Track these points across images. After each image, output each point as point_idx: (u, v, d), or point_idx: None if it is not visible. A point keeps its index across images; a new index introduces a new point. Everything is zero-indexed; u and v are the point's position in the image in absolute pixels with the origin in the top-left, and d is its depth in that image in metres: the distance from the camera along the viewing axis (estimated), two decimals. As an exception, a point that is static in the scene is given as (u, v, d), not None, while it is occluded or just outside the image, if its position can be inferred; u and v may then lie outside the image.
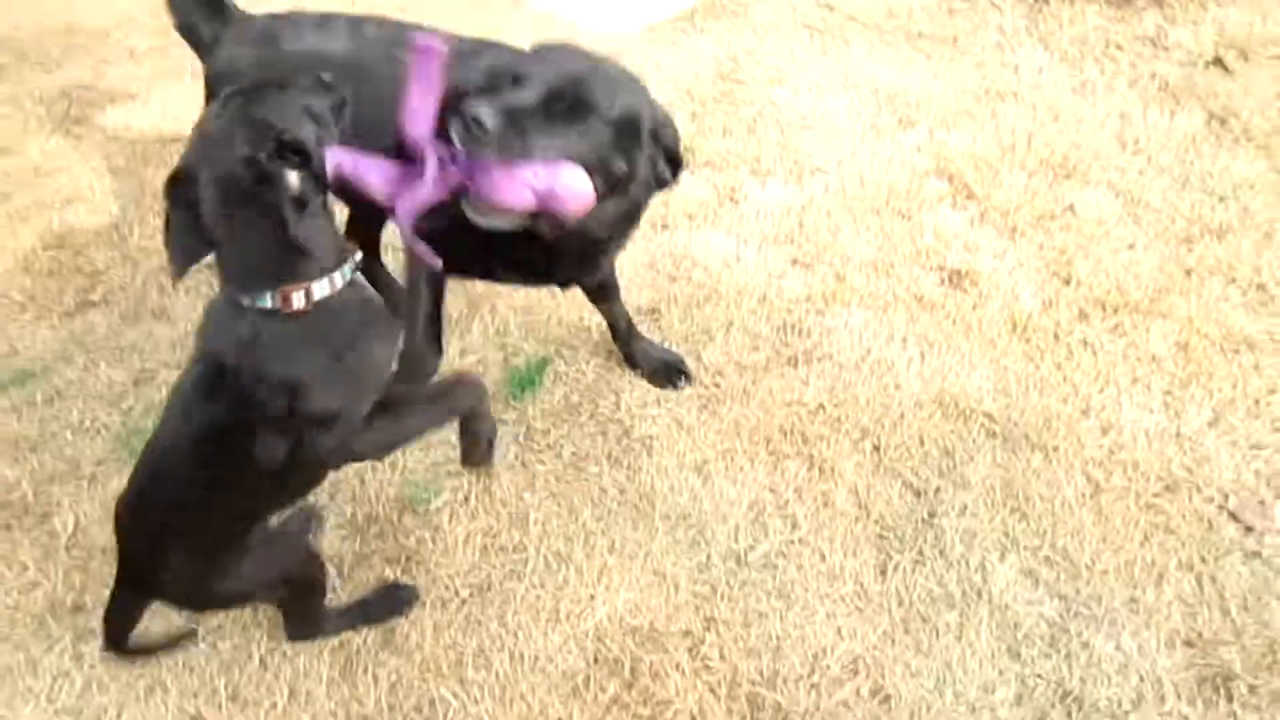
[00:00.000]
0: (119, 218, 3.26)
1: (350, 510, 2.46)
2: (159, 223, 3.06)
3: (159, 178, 3.33)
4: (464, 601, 2.29)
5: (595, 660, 2.18)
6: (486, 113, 1.79)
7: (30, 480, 2.52)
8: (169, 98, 3.75)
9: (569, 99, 1.91)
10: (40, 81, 3.89)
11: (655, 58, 3.85)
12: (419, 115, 1.84)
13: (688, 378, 2.70)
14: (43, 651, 2.19)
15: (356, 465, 2.50)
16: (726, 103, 3.64)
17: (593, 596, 2.29)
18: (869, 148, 3.45)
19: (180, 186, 1.72)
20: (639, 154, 2.01)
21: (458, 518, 2.44)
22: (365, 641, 2.20)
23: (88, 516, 2.42)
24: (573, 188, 1.90)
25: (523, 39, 3.78)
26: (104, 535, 2.26)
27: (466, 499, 2.48)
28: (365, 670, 2.16)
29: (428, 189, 1.86)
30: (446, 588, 2.31)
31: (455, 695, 2.12)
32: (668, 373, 2.70)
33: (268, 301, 1.76)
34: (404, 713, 2.11)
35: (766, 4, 4.11)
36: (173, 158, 3.29)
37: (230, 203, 1.71)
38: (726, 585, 2.31)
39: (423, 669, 2.17)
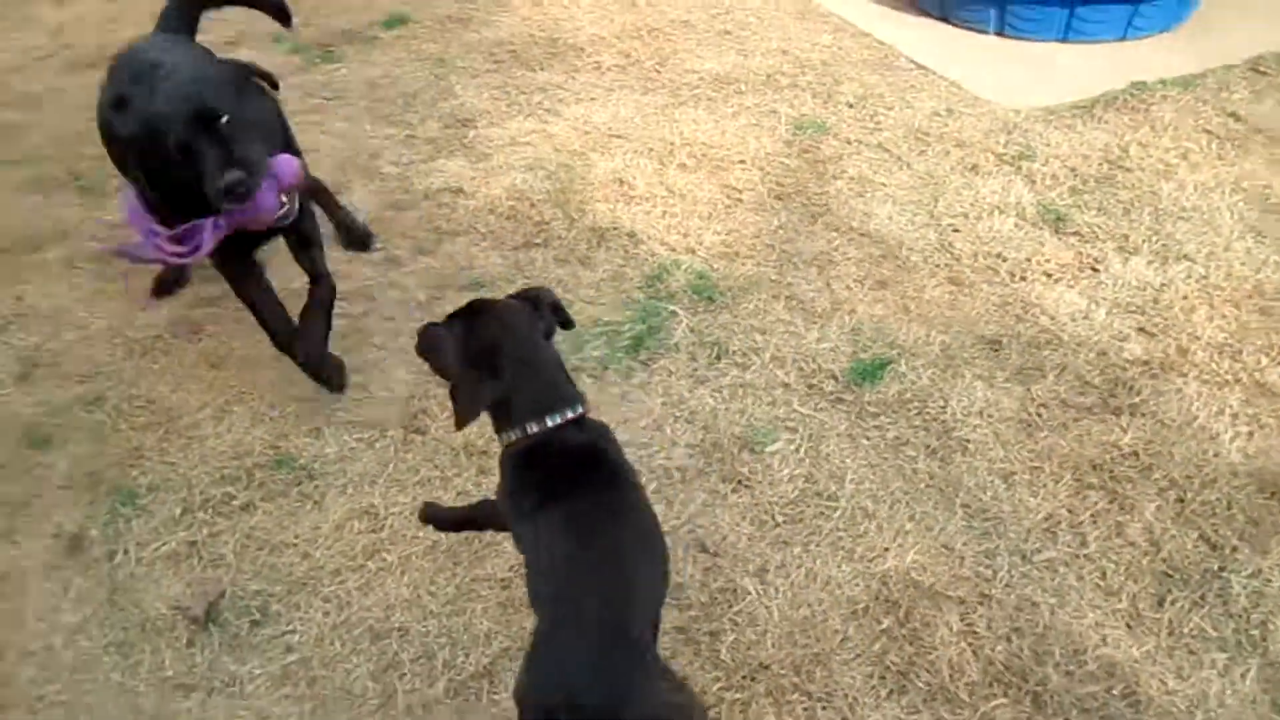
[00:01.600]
0: (565, 185, 4.00)
1: (701, 436, 2.96)
2: (594, 192, 3.76)
3: (600, 162, 4.08)
4: (777, 525, 2.71)
5: (877, 597, 2.53)
6: (237, 178, 2.45)
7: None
8: (620, 105, 4.50)
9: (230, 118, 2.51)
10: (526, 78, 4.79)
11: (1047, 136, 4.15)
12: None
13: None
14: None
15: (716, 398, 3.03)
16: (1108, 184, 3.87)
17: (886, 549, 2.64)
18: (1244, 246, 3.56)
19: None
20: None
21: (786, 462, 2.88)
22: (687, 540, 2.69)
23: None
24: (289, 168, 2.60)
25: (930, 106, 4.23)
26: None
27: (797, 450, 2.91)
28: (682, 557, 2.63)
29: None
30: (765, 511, 2.75)
31: (755, 589, 2.55)
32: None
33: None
34: (711, 592, 2.56)
35: (1169, 105, 4.28)
36: (614, 151, 4.01)
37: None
38: (1007, 573, 2.58)
39: (733, 562, 2.61)
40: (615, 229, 3.77)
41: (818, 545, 2.65)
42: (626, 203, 3.91)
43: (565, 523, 1.99)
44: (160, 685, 2.40)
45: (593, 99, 4.60)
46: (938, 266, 3.55)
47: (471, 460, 2.90)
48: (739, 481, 2.83)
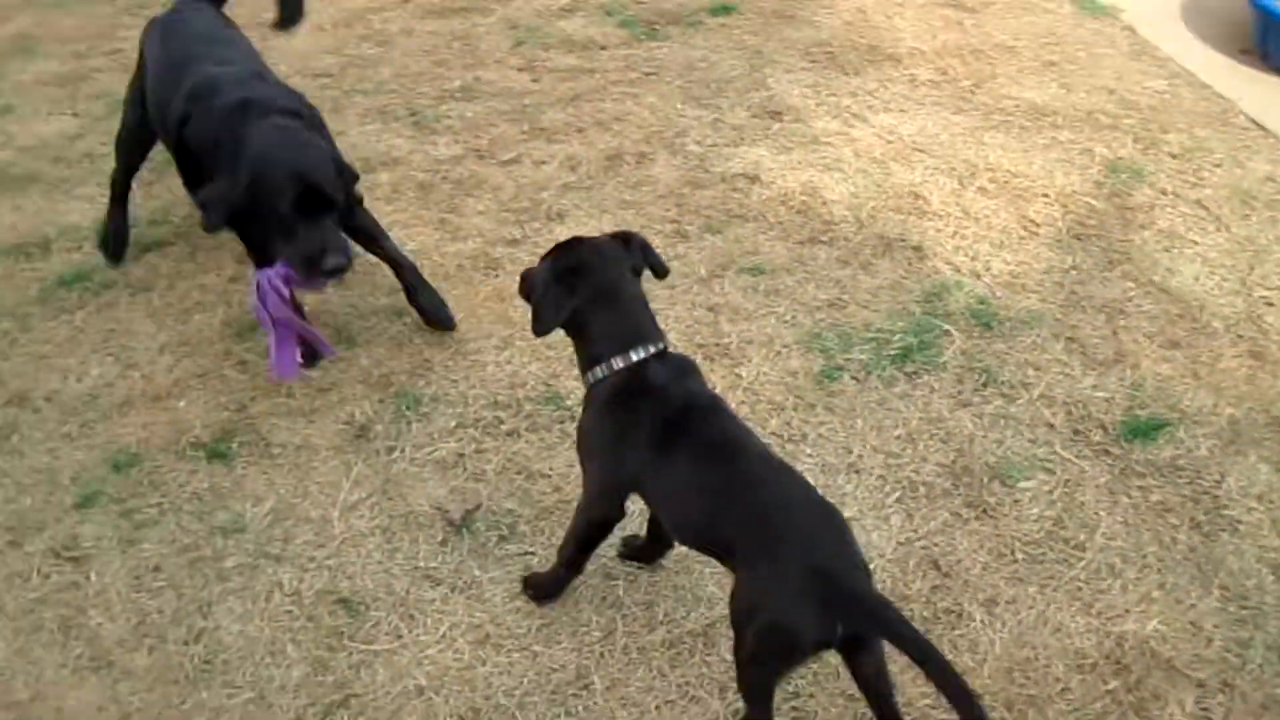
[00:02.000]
0: (860, 190, 4.02)
1: (953, 457, 2.94)
2: (887, 201, 3.76)
3: (899, 173, 4.07)
4: (1015, 560, 2.66)
5: (1108, 657, 2.44)
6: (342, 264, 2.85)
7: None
8: (928, 120, 4.47)
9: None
10: (839, 80, 4.82)
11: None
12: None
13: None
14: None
15: (975, 423, 3.00)
16: None
17: (1128, 611, 2.54)
18: None
19: None
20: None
21: (1036, 501, 2.81)
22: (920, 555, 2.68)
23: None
24: None
25: (1263, 170, 3.95)
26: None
27: (1050, 492, 2.84)
28: (912, 571, 2.63)
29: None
30: (1006, 545, 2.70)
31: (981, 618, 2.52)
32: (439, 317, 3.29)
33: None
34: (935, 610, 2.55)
35: None
36: (915, 164, 4.00)
37: None
38: (1259, 668, 2.42)
39: (963, 587, 2.59)
40: (902, 240, 3.77)
41: (1054, 590, 2.59)
42: (919, 217, 3.89)
43: (701, 457, 2.16)
44: (412, 572, 2.65)
45: (902, 110, 4.58)
46: (1240, 337, 3.34)
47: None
48: (984, 510, 2.80)
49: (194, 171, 3.11)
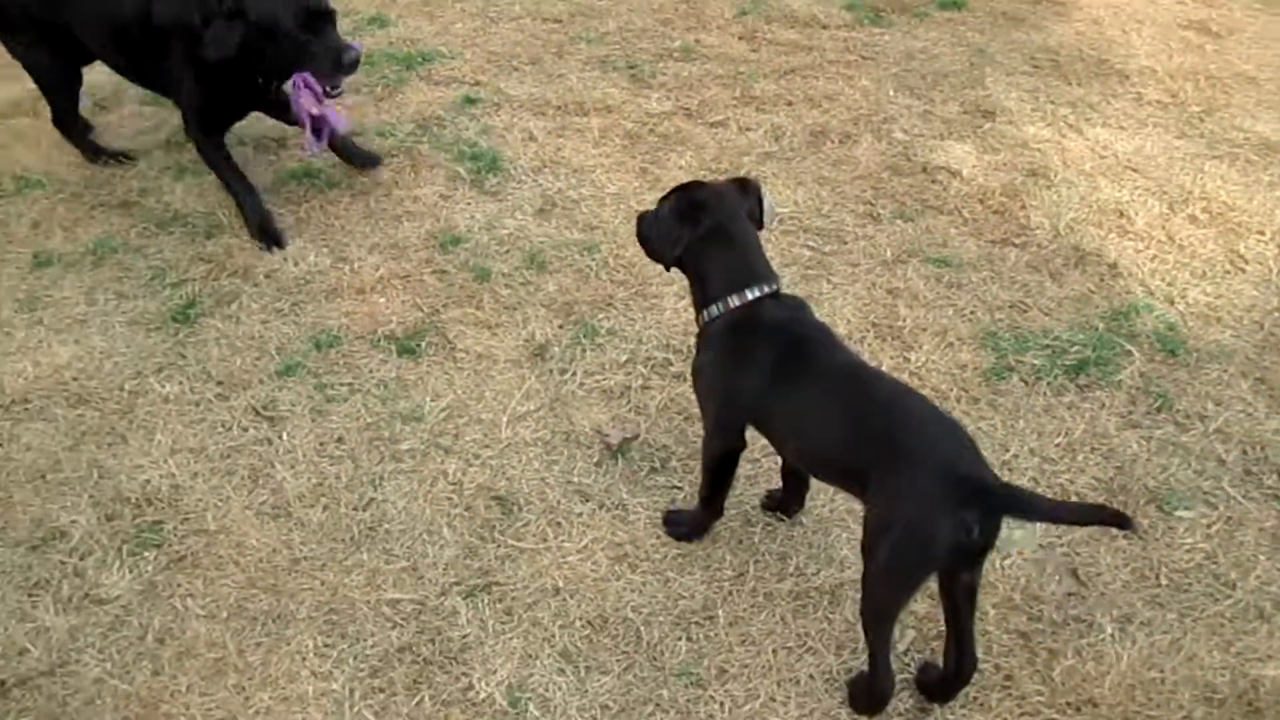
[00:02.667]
0: (1063, 199, 3.95)
1: (1112, 474, 2.90)
2: (1090, 215, 3.69)
3: (1107, 189, 3.97)
4: (1159, 584, 2.62)
5: (1240, 697, 2.39)
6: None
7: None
8: (1147, 140, 4.33)
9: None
10: (1059, 89, 4.72)
11: None
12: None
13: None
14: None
15: (1141, 446, 2.95)
16: None
17: (1270, 656, 2.47)
18: None
19: None
20: None
21: (1192, 532, 2.75)
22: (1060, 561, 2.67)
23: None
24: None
25: None
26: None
27: (1209, 526, 2.77)
28: (1050, 573, 2.62)
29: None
30: (1151, 568, 2.66)
31: (1112, 632, 2.50)
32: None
33: None
34: (1065, 615, 2.53)
35: None
36: (1125, 182, 3.90)
37: None
38: (1403, 738, 2.33)
39: (1098, 599, 2.57)
40: (1098, 256, 3.69)
41: (1194, 621, 2.54)
42: (1119, 235, 3.80)
43: (823, 386, 2.26)
44: (565, 485, 2.81)
45: (1121, 128, 4.46)
46: None
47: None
48: (1134, 538, 2.75)
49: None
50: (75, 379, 3.07)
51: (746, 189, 2.51)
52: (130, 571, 2.55)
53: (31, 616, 2.45)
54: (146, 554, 2.59)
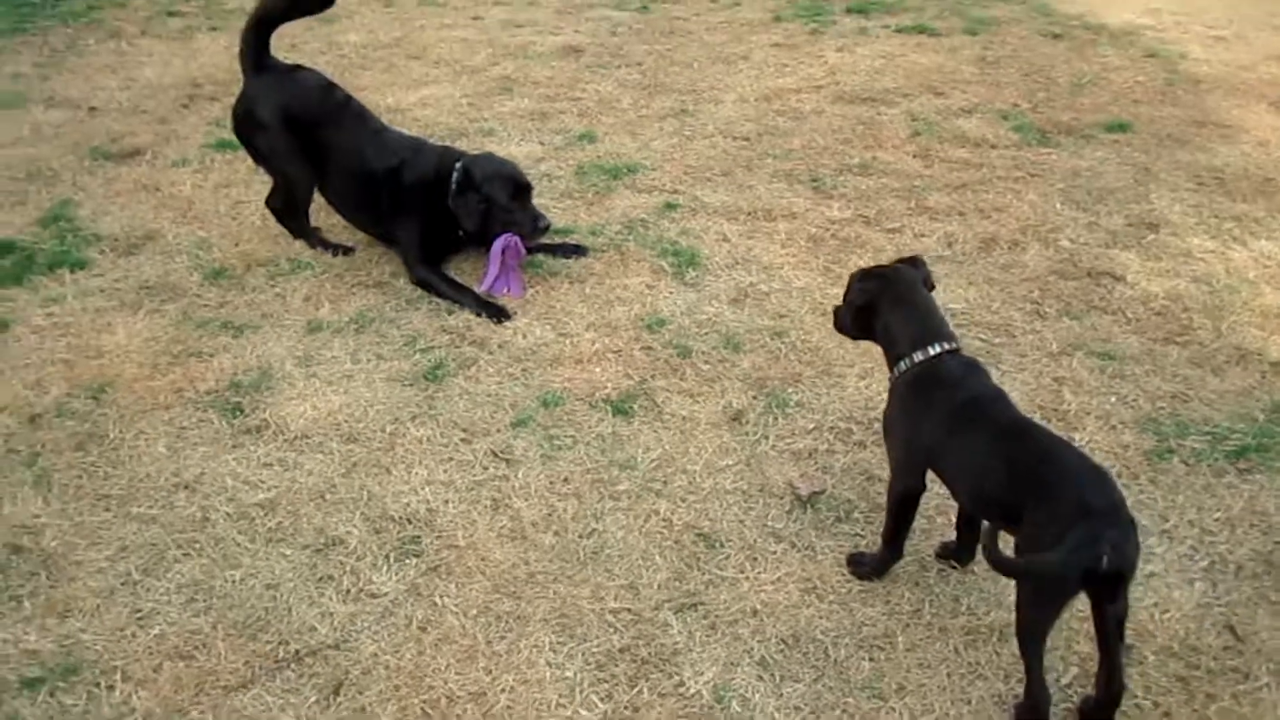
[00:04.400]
0: (1225, 303, 4.21)
1: (1271, 548, 3.11)
2: (1252, 318, 3.94)
3: (1270, 294, 4.20)
4: (1316, 646, 2.81)
5: (1395, 748, 2.56)
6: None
7: (1077, 405, 3.66)
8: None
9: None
10: (1224, 205, 4.98)
11: None
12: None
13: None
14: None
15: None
16: None
17: None
18: None
19: None
20: None
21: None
22: (1217, 618, 2.89)
23: (1099, 441, 3.48)
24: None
25: None
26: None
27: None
28: (1207, 630, 2.85)
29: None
30: (1309, 631, 2.85)
31: (1269, 680, 2.70)
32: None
33: None
34: (1222, 665, 2.75)
35: None
36: None
37: None
38: None
39: (1255, 654, 2.78)
40: (1260, 355, 3.93)
41: (1352, 679, 2.72)
42: (1280, 336, 4.03)
43: (991, 435, 2.64)
44: (761, 527, 3.21)
45: None
46: None
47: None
48: (1302, 596, 2.96)
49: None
50: (345, 421, 3.66)
51: (916, 263, 2.98)
52: (396, 574, 3.06)
53: (319, 603, 2.97)
54: (409, 561, 3.10)
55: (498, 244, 4.31)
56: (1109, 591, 2.41)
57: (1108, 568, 2.33)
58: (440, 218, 4.43)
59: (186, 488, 3.37)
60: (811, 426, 3.62)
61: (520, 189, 4.39)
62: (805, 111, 6.13)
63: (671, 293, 4.38)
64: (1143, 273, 4.46)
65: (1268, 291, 4.30)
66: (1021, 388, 3.77)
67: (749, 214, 4.99)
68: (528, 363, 3.96)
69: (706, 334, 4.11)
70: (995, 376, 3.77)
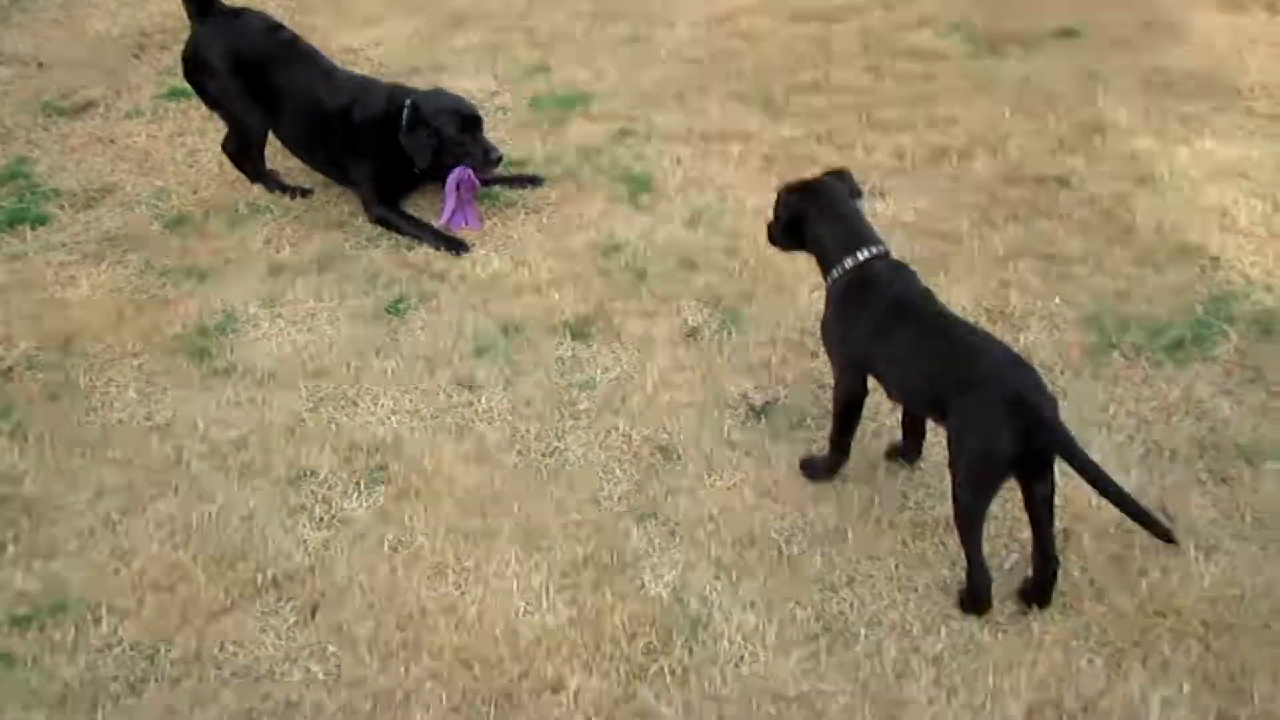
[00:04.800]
0: (1165, 200, 4.31)
1: (1205, 433, 3.25)
2: (1194, 214, 4.07)
3: (1213, 191, 4.30)
4: (1244, 522, 2.99)
5: (1315, 610, 2.72)
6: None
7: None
8: (1256, 149, 4.63)
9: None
10: (1171, 105, 5.05)
11: None
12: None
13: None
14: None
15: (1234, 410, 3.29)
16: None
17: (1345, 578, 2.79)
18: None
19: None
20: None
21: (1278, 481, 3.08)
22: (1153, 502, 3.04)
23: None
24: None
25: None
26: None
27: (1293, 473, 3.10)
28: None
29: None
30: (1239, 510, 3.03)
31: (1196, 556, 2.86)
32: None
33: None
34: (1158, 546, 2.90)
35: None
36: (1230, 185, 4.20)
37: None
38: None
39: (1185, 533, 2.93)
40: (1201, 249, 4.04)
41: (1276, 552, 2.88)
42: (1222, 232, 4.14)
43: (919, 333, 2.76)
44: (717, 437, 3.34)
45: (1230, 138, 4.78)
46: None
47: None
48: (1223, 479, 3.12)
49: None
50: (311, 358, 3.74)
51: (841, 175, 3.11)
52: (367, 500, 3.17)
53: (293, 531, 3.08)
54: (378, 488, 3.21)
55: (452, 178, 4.36)
56: (1036, 473, 2.55)
57: (1032, 448, 2.46)
58: (394, 156, 4.46)
59: (159, 430, 3.46)
60: (765, 339, 3.72)
61: (469, 122, 4.42)
62: (758, 32, 6.13)
63: (627, 218, 4.45)
64: (1088, 176, 4.55)
65: (1210, 189, 4.40)
66: (969, 291, 3.88)
67: (702, 137, 5.03)
68: (488, 293, 4.04)
69: (662, 256, 4.19)
70: (945, 281, 3.92)
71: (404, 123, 4.40)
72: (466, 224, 4.44)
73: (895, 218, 4.32)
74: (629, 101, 5.41)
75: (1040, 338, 3.66)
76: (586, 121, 5.25)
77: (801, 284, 3.97)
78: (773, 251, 3.92)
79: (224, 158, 4.82)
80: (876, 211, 4.34)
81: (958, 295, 3.84)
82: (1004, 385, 2.56)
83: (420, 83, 5.28)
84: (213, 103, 4.71)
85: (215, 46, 4.54)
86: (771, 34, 6.08)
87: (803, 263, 3.99)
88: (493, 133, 4.84)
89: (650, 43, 6.10)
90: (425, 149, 4.38)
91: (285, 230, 4.51)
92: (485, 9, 6.73)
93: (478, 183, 4.45)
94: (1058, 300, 3.83)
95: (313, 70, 4.60)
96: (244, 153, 4.74)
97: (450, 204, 4.39)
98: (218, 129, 4.93)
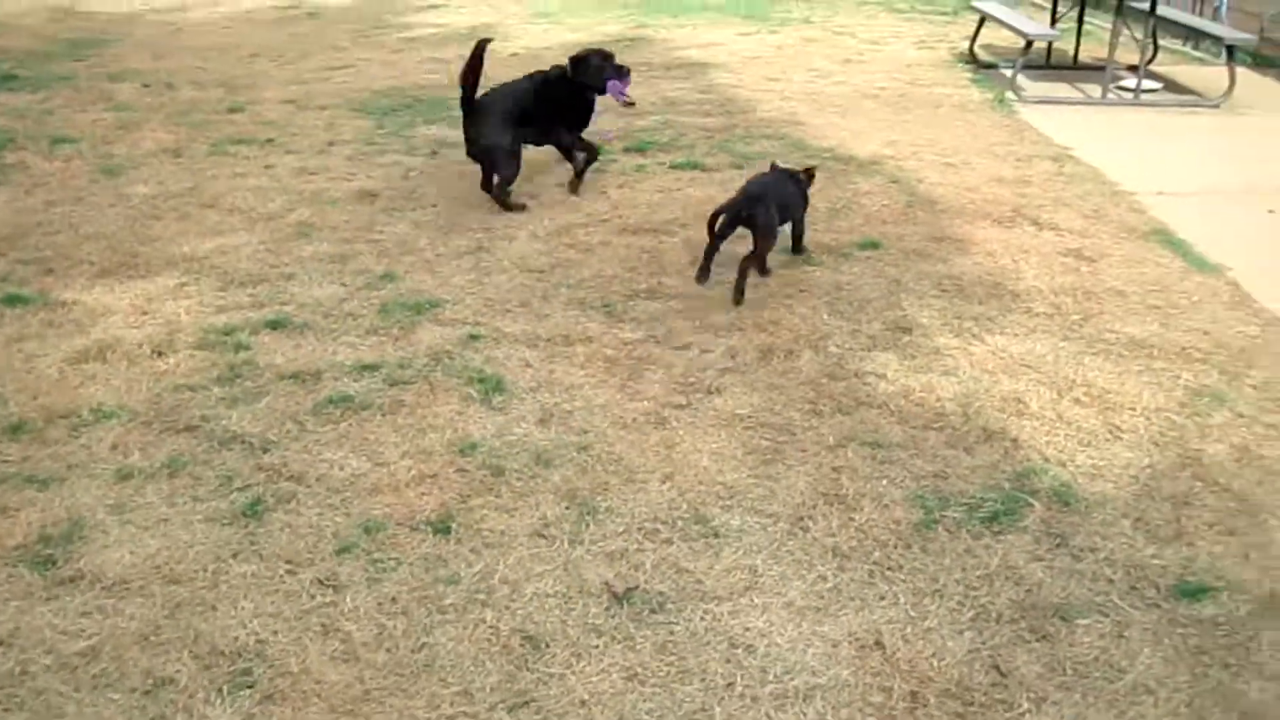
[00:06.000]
0: (971, 392, 4.81)
1: (1023, 595, 3.58)
2: (993, 403, 4.54)
3: (1006, 382, 4.84)
4: (1066, 674, 3.26)
5: (1135, 753, 3.00)
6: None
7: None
8: (1037, 344, 5.26)
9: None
10: (964, 307, 5.70)
11: None
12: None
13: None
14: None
15: (1047, 572, 3.65)
16: None
17: (1156, 722, 3.10)
18: None
19: None
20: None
21: (1089, 633, 3.41)
22: (985, 660, 3.32)
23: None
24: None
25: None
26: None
27: (1102, 628, 3.44)
28: (981, 670, 3.26)
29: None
30: (1059, 661, 3.30)
31: (1028, 706, 3.12)
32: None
33: None
34: (991, 700, 3.16)
35: None
36: (1020, 376, 4.76)
37: None
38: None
39: (1018, 684, 3.20)
40: (1002, 434, 4.51)
41: (1095, 698, 3.17)
42: (1018, 417, 4.64)
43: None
44: (583, 625, 3.44)
45: (1016, 335, 5.40)
46: (1293, 533, 3.91)
47: (834, 556, 3.73)
48: (1044, 635, 3.42)
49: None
50: (165, 564, 3.68)
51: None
52: (230, 706, 3.10)
53: (153, 745, 2.98)
54: (242, 693, 3.15)
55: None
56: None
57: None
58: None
59: (1, 644, 3.31)
60: (621, 529, 3.90)
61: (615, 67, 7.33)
62: (593, 244, 6.58)
63: (481, 417, 4.63)
64: (901, 370, 5.03)
65: (1005, 380, 4.94)
66: (806, 479, 4.19)
67: (548, 340, 5.32)
68: (346, 493, 4.10)
69: (517, 453, 4.36)
70: (783, 470, 4.22)
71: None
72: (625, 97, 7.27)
73: (733, 412, 4.65)
74: (476, 308, 5.68)
75: (873, 517, 3.97)
76: (436, 326, 5.47)
77: (651, 476, 4.20)
78: (625, 448, 4.20)
79: (65, 363, 4.78)
80: (715, 406, 4.68)
81: (796, 482, 4.16)
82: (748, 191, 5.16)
83: (268, 290, 5.43)
84: None
85: None
86: (606, 245, 6.54)
87: (651, 457, 4.28)
88: (344, 337, 5.02)
89: (493, 253, 6.45)
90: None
91: (133, 434, 4.47)
92: (330, 221, 6.99)
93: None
94: (885, 482, 4.18)
95: None
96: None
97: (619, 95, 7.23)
98: (57, 334, 4.92)
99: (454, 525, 3.91)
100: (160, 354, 5.21)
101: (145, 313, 5.65)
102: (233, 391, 4.84)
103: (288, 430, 4.52)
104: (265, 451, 4.36)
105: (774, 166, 6.19)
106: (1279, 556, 3.79)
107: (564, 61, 7.25)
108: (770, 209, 5.71)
